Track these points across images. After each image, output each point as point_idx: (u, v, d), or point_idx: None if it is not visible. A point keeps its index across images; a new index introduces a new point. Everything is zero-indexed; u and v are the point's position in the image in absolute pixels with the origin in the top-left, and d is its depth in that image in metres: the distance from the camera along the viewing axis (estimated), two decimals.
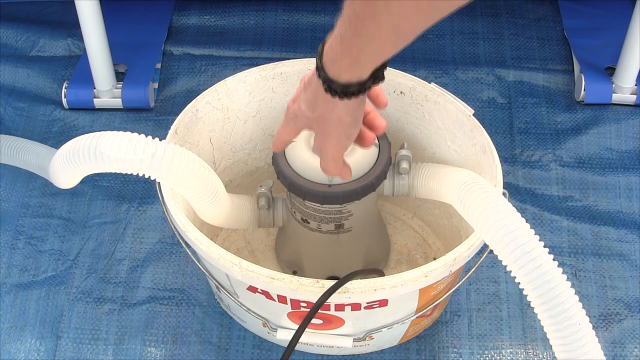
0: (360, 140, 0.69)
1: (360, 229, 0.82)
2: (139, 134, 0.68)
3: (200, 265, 0.79)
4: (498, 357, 0.89)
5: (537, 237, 0.63)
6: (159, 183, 0.74)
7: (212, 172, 0.73)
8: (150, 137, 0.68)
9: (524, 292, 0.64)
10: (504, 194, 0.71)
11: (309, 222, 0.81)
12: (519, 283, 0.64)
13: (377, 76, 0.58)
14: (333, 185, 0.75)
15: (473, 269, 0.78)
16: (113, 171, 0.68)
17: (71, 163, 0.69)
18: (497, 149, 0.77)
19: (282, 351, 0.67)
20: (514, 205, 0.66)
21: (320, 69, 0.58)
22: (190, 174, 0.70)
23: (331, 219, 0.79)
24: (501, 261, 0.65)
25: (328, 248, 0.84)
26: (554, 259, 0.63)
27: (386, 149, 0.77)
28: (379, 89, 0.67)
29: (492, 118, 1.12)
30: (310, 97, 0.62)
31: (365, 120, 0.68)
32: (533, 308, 0.64)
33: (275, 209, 0.85)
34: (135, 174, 0.69)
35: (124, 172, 0.68)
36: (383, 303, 0.71)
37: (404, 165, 0.79)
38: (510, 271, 0.64)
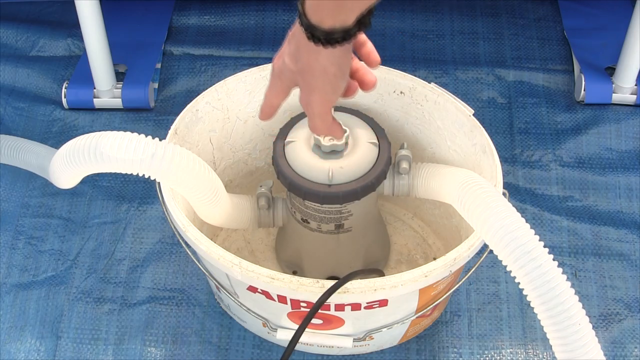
0: (344, 90, 0.66)
1: (360, 229, 0.82)
2: (139, 134, 0.68)
3: (200, 265, 0.79)
4: (498, 357, 0.89)
5: (537, 237, 0.63)
6: (159, 183, 0.74)
7: (212, 172, 0.73)
8: (150, 137, 0.68)
9: (524, 292, 0.64)
10: (504, 194, 0.71)
11: (309, 222, 0.81)
12: (518, 283, 0.64)
13: (362, 22, 0.54)
14: (333, 185, 0.75)
15: (473, 269, 0.78)
16: (113, 171, 0.68)
17: (71, 163, 0.69)
18: (497, 149, 0.77)
19: (282, 351, 0.67)
20: (514, 205, 0.66)
21: (302, 15, 0.54)
22: (190, 173, 0.70)
23: (331, 219, 0.79)
24: (501, 261, 0.65)
25: (328, 248, 0.84)
26: (553, 259, 0.63)
27: (386, 149, 0.77)
28: (370, 46, 0.64)
29: (492, 118, 1.12)
30: (294, 48, 0.59)
31: (355, 77, 0.66)
32: (533, 308, 0.64)
33: (275, 209, 0.85)
34: (135, 174, 0.69)
35: (124, 172, 0.68)
36: (383, 303, 0.71)
37: (404, 165, 0.79)
38: (510, 271, 0.64)
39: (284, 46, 0.62)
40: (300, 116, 0.81)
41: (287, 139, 0.78)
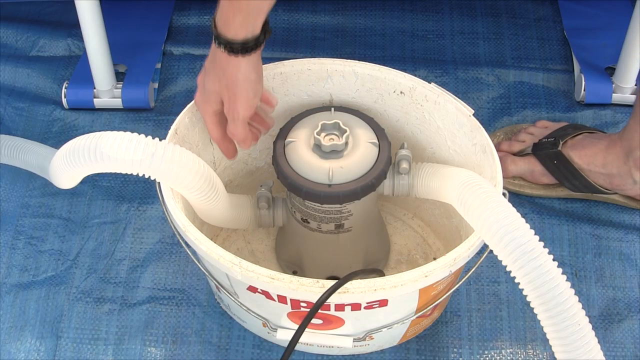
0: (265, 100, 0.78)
1: (360, 229, 0.82)
2: (139, 134, 0.68)
3: (200, 265, 0.79)
4: (498, 357, 0.89)
5: (537, 237, 0.63)
6: (159, 183, 0.74)
7: (212, 171, 0.73)
8: (150, 137, 0.68)
9: (524, 293, 0.64)
10: (503, 194, 0.71)
11: (309, 222, 0.81)
12: (518, 283, 0.64)
13: (266, 30, 0.70)
14: (333, 185, 0.75)
15: (473, 269, 0.78)
16: (113, 171, 0.68)
17: (71, 163, 0.69)
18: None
19: (282, 351, 0.67)
20: (513, 206, 0.66)
21: (218, 37, 0.69)
22: (190, 173, 0.70)
23: (331, 219, 0.79)
24: (501, 261, 0.65)
25: (328, 248, 0.84)
26: (553, 259, 0.63)
27: (386, 148, 0.77)
28: (266, 93, 0.78)
29: (492, 118, 1.11)
30: (217, 71, 0.72)
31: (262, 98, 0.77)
32: (533, 309, 0.64)
33: (275, 208, 0.85)
34: (135, 174, 0.69)
35: (124, 172, 0.68)
36: (383, 303, 0.71)
37: (404, 165, 0.79)
38: (510, 271, 0.64)
39: (199, 82, 0.75)
40: (300, 116, 0.81)
41: (287, 139, 0.78)
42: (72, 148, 0.69)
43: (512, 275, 0.64)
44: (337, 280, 0.66)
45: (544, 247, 0.63)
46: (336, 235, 0.82)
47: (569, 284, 0.62)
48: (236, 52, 0.69)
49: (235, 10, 0.67)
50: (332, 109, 0.81)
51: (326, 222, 0.79)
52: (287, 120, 0.81)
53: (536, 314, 0.64)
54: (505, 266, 0.64)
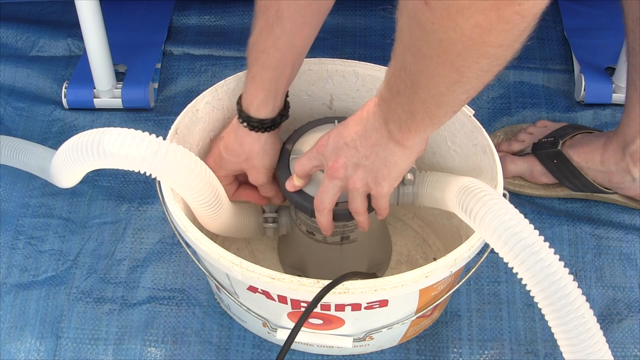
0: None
1: (365, 239, 0.83)
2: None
3: (200, 265, 0.79)
4: (498, 357, 0.89)
5: (537, 231, 0.63)
6: (159, 182, 0.74)
7: (214, 176, 0.73)
8: (153, 135, 0.68)
9: (527, 288, 0.63)
10: (504, 195, 0.71)
11: (314, 235, 0.81)
12: (521, 279, 0.63)
13: (284, 114, 0.77)
14: (340, 202, 0.74)
15: (473, 269, 0.78)
16: (115, 167, 0.68)
17: (74, 159, 0.68)
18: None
19: None
20: (513, 205, 0.66)
21: (248, 117, 0.76)
22: (192, 173, 0.69)
23: (337, 232, 0.79)
24: (502, 260, 0.64)
25: (333, 257, 0.84)
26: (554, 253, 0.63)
27: None
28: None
29: (492, 118, 1.11)
30: (231, 158, 0.79)
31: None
32: (537, 303, 0.64)
33: (279, 218, 0.85)
34: (137, 171, 0.68)
35: (125, 168, 0.68)
36: (383, 303, 0.71)
37: (409, 177, 0.77)
38: (512, 268, 0.64)
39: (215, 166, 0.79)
40: (304, 129, 0.80)
41: (292, 155, 0.77)
42: (75, 144, 0.68)
43: (514, 271, 0.64)
44: (331, 281, 0.66)
45: (545, 241, 0.63)
46: (341, 246, 0.82)
47: (571, 277, 0.62)
48: (256, 129, 0.76)
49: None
50: (336, 120, 0.80)
51: (332, 235, 0.79)
52: (289, 124, 0.81)
53: (540, 309, 0.64)
54: (507, 263, 0.64)
